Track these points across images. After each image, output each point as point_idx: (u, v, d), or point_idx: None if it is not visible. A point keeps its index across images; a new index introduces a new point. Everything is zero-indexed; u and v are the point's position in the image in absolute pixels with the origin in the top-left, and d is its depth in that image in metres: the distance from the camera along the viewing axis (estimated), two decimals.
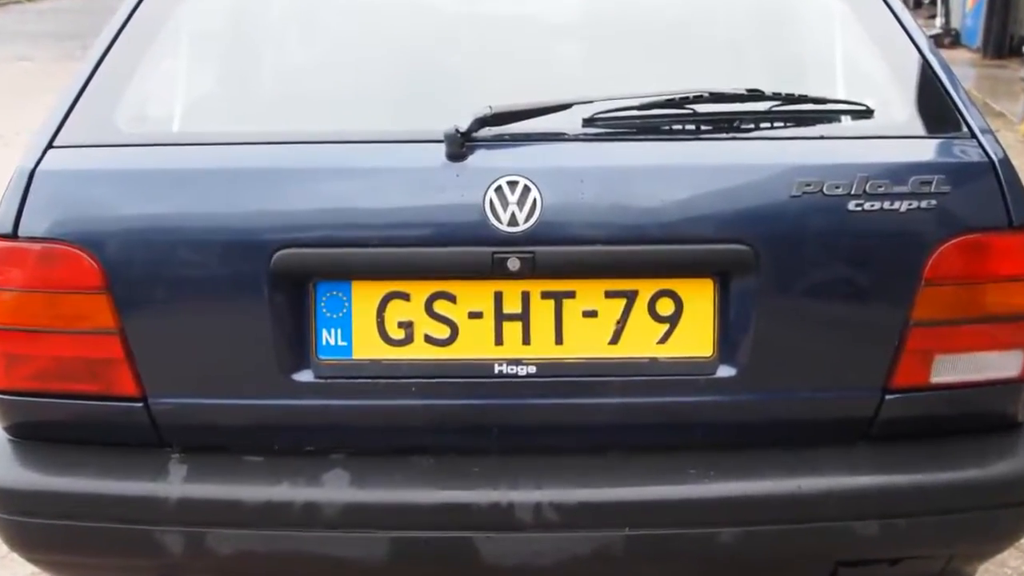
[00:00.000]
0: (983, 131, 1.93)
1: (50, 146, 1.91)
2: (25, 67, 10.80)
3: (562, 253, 1.83)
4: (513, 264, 1.82)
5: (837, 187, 1.83)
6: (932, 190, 1.84)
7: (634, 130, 1.91)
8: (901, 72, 2.04)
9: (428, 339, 1.88)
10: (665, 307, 1.87)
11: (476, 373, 1.88)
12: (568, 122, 1.88)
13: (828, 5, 2.22)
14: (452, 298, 1.86)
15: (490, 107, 1.83)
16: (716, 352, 1.89)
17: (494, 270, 1.82)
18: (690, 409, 1.91)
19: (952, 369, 1.91)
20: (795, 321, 1.88)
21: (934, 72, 2.02)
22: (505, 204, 1.81)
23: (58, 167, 1.89)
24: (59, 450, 1.96)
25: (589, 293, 1.87)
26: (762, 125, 1.93)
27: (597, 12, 2.25)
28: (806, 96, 1.95)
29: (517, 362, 1.87)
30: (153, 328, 1.88)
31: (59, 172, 1.89)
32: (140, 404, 1.90)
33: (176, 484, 1.89)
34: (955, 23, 12.23)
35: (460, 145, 1.83)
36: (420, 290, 1.86)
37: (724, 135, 1.93)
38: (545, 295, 1.86)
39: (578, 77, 2.09)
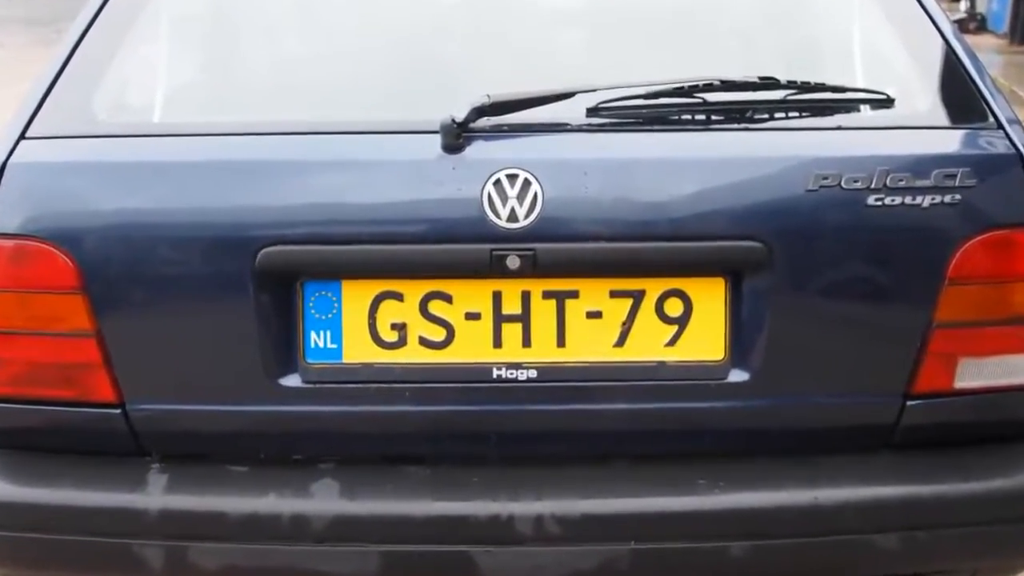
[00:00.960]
0: (1010, 121, 1.93)
1: (22, 137, 1.91)
2: None
3: (564, 250, 1.83)
4: (512, 262, 1.82)
5: (856, 181, 1.83)
6: (956, 184, 1.84)
7: (640, 120, 1.91)
8: (923, 59, 2.04)
9: (423, 341, 1.88)
10: (673, 308, 1.87)
11: (473, 377, 1.88)
12: (571, 112, 1.88)
13: None
14: (448, 298, 1.86)
15: (488, 96, 1.82)
16: (727, 355, 1.89)
17: (492, 268, 1.82)
18: (700, 415, 1.91)
19: (977, 373, 1.91)
20: (811, 322, 1.88)
21: (958, 59, 2.02)
22: (504, 199, 1.81)
23: (31, 159, 1.89)
24: (32, 459, 1.95)
25: (593, 293, 1.87)
26: (776, 115, 1.94)
27: None
28: (823, 84, 1.95)
29: (517, 366, 1.87)
30: (132, 330, 1.88)
31: (32, 164, 1.89)
32: (118, 410, 1.90)
33: (156, 495, 1.89)
34: (981, 7, 12.26)
35: (457, 136, 1.83)
36: (414, 290, 1.86)
37: (736, 126, 1.94)
38: (546, 295, 1.86)
39: (581, 64, 2.09)
